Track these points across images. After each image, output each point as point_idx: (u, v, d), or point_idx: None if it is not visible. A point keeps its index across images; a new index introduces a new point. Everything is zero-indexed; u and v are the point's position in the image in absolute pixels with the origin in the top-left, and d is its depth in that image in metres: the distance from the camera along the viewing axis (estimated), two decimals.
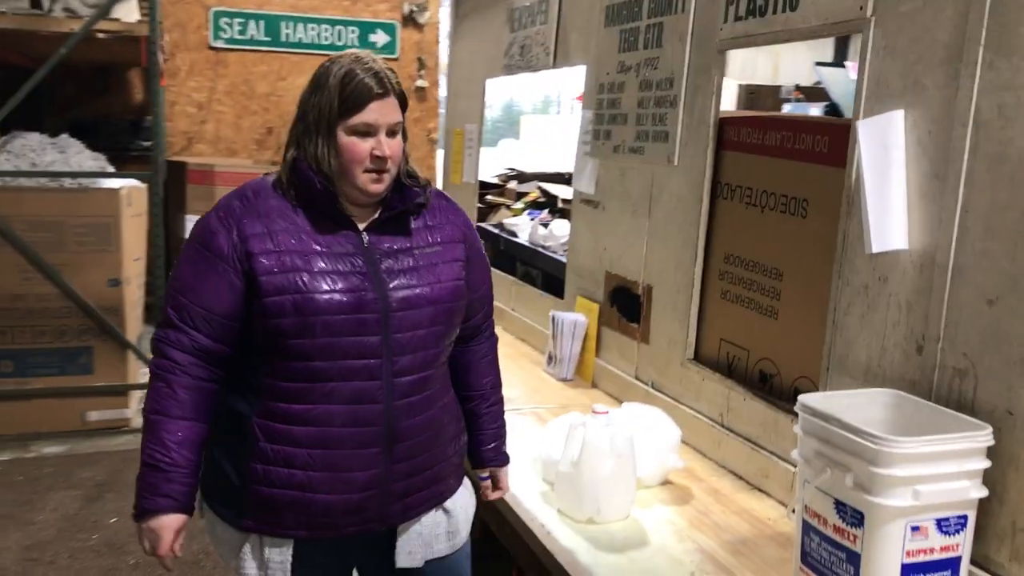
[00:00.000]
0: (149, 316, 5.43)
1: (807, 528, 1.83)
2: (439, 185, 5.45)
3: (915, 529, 1.67)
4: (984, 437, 1.67)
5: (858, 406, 1.85)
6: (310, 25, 8.11)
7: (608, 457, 2.13)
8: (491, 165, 8.70)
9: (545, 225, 4.77)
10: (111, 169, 5.18)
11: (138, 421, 4.90)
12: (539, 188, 6.70)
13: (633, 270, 3.09)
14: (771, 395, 2.41)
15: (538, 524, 2.15)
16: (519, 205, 6.40)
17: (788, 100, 5.57)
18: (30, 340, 4.68)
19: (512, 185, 7.32)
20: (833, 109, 3.94)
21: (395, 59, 8.30)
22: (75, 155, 4.98)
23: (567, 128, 7.24)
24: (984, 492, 1.69)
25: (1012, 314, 1.71)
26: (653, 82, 2.92)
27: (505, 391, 2.16)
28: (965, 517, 1.70)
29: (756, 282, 2.50)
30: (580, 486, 2.13)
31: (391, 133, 1.77)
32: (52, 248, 4.64)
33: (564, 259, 3.75)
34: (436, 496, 1.92)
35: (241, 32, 7.92)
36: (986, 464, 1.69)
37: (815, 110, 4.16)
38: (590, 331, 3.32)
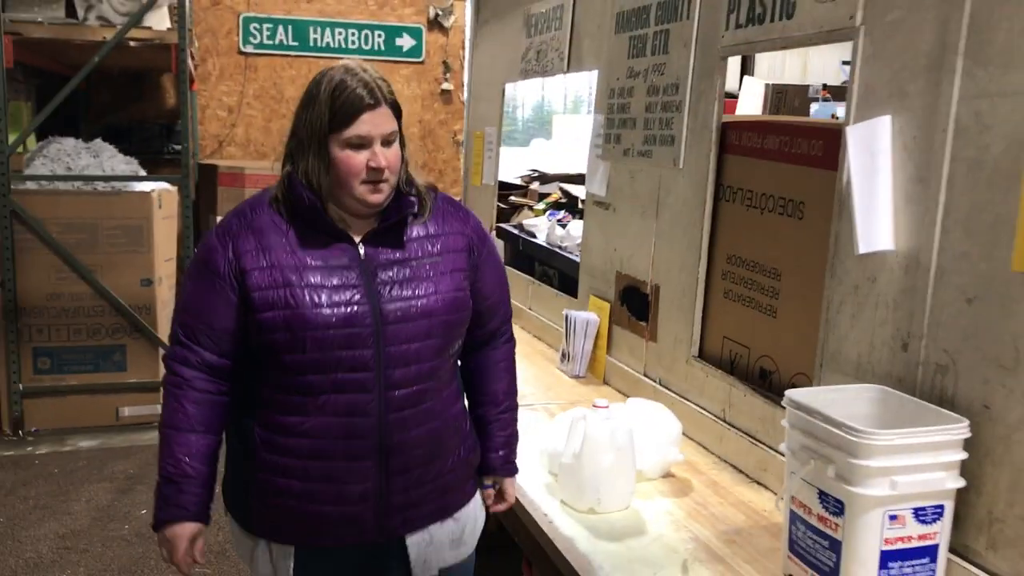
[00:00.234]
0: None
1: (794, 517, 1.92)
2: (461, 187, 5.57)
3: (893, 518, 1.75)
4: (959, 430, 1.75)
5: (845, 401, 1.93)
6: (337, 30, 8.26)
7: (608, 450, 2.22)
8: (522, 165, 8.81)
9: (563, 225, 4.86)
10: (143, 172, 5.34)
11: None
12: (560, 189, 6.80)
13: (642, 270, 3.17)
14: (770, 391, 2.48)
15: (541, 513, 2.24)
16: (540, 206, 6.49)
17: (815, 99, 5.60)
18: (66, 338, 4.86)
19: (535, 186, 7.42)
20: None
21: (421, 62, 8.43)
22: (108, 159, 5.15)
23: None
24: (960, 483, 1.77)
25: (988, 312, 1.78)
26: (660, 87, 3.00)
27: (519, 387, 2.14)
28: (942, 507, 1.77)
29: (756, 282, 2.58)
30: (581, 477, 2.23)
31: (386, 143, 1.76)
32: (86, 249, 4.81)
33: (579, 259, 3.85)
34: (441, 510, 1.92)
35: (270, 37, 8.09)
36: (963, 456, 1.76)
37: (842, 109, 4.20)
38: (602, 329, 3.41)
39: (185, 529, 1.79)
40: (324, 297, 1.73)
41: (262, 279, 1.73)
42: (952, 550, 1.82)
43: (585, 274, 3.66)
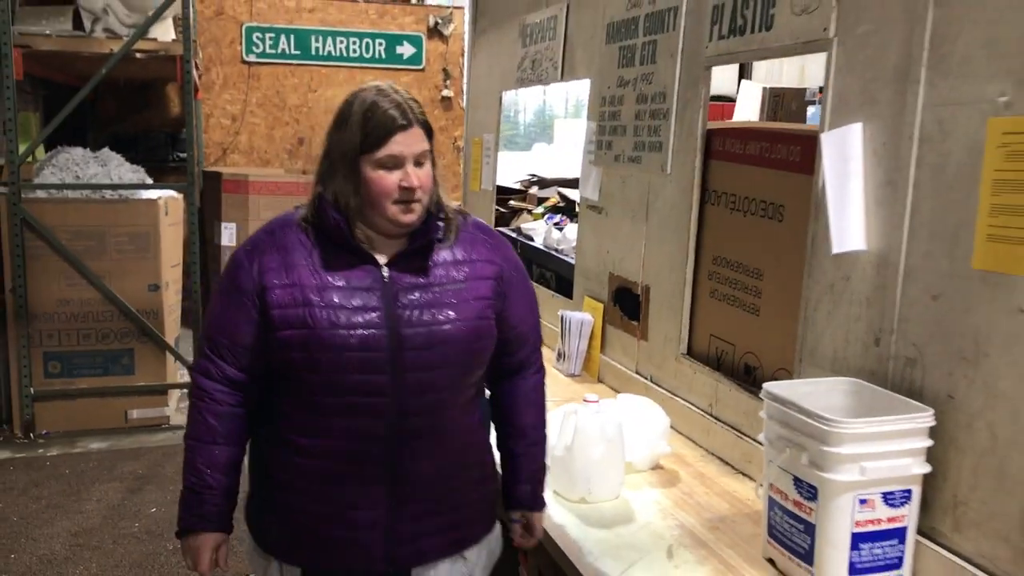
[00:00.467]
0: (185, 320, 5.71)
1: (772, 504, 2.03)
2: (461, 192, 5.68)
3: (863, 502, 1.86)
4: (924, 419, 1.86)
5: (820, 394, 2.04)
6: (339, 38, 8.40)
7: (598, 442, 2.33)
8: (524, 169, 8.94)
9: (560, 229, 4.98)
10: (149, 181, 5.47)
11: (176, 418, 5.20)
12: (558, 193, 6.92)
13: (633, 271, 3.29)
14: (754, 386, 2.59)
15: None
16: (539, 210, 6.62)
17: (812, 102, 5.71)
18: (75, 343, 4.98)
19: (533, 191, 7.55)
20: None
21: (421, 70, 8.57)
22: (116, 168, 5.28)
23: None
24: (926, 468, 1.88)
25: (952, 308, 1.89)
26: (648, 96, 3.12)
27: None
28: (910, 491, 1.88)
29: (740, 281, 2.69)
30: (572, 469, 2.34)
31: (418, 163, 1.75)
32: (95, 256, 4.93)
33: (574, 261, 3.96)
34: (455, 543, 1.89)
35: (273, 46, 8.24)
36: (928, 443, 1.87)
37: None
38: (596, 329, 3.53)
39: (208, 540, 1.83)
40: (343, 318, 1.72)
41: (283, 297, 1.73)
42: (920, 532, 1.93)
43: (580, 276, 3.77)
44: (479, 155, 5.08)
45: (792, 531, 1.95)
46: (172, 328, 5.32)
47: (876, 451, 1.83)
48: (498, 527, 2.03)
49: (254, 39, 8.19)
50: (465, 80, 6.81)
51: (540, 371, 2.07)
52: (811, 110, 5.53)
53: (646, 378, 3.17)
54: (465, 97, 6.94)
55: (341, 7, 8.41)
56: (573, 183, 6.96)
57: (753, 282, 2.64)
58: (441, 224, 1.82)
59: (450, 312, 1.78)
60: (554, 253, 4.72)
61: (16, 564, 3.50)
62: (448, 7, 8.86)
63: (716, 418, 2.73)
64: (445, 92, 8.69)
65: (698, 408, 2.82)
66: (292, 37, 8.31)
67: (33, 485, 4.28)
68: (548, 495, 2.30)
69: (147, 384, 5.12)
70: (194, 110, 5.59)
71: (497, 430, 2.01)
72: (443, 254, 1.83)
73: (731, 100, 7.39)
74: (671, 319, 3.03)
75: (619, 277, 3.39)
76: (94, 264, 4.93)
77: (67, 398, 4.99)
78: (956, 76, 1.89)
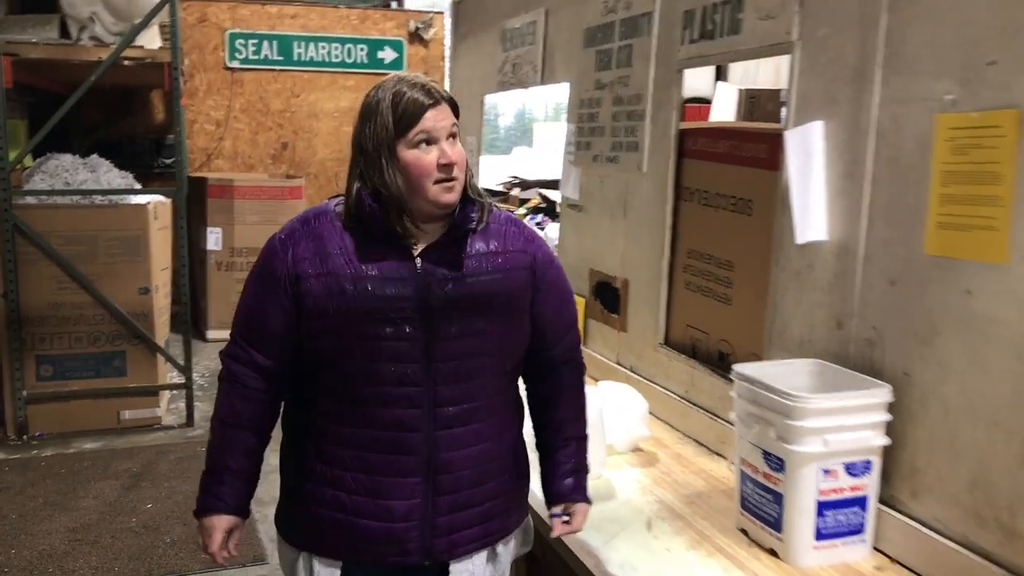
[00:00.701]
0: (174, 324, 5.80)
1: (744, 477, 2.17)
2: None
3: (827, 472, 2.00)
4: (882, 394, 2.01)
5: (787, 374, 2.18)
6: (321, 44, 8.51)
7: None
8: (504, 172, 9.07)
9: (542, 228, 5.12)
10: (138, 186, 5.56)
11: (168, 418, 5.29)
12: (539, 194, 7.07)
13: (612, 267, 3.42)
14: (728, 372, 2.72)
15: None
16: (521, 211, 6.76)
17: (787, 103, 5.86)
18: (67, 346, 5.07)
19: (515, 192, 7.70)
20: None
21: None
22: (105, 174, 5.37)
23: None
24: (885, 440, 2.02)
25: (907, 292, 2.04)
26: (624, 98, 3.26)
27: None
28: (870, 462, 2.03)
29: (713, 273, 2.83)
30: None
31: (451, 137, 1.74)
32: (86, 260, 5.02)
33: None
34: (488, 534, 1.87)
35: (256, 52, 8.34)
36: (887, 417, 2.02)
37: None
38: (579, 323, 3.65)
39: (221, 521, 1.82)
40: (375, 308, 1.72)
41: (317, 286, 1.73)
42: (881, 500, 2.08)
43: None
44: None
45: (762, 501, 2.09)
46: (162, 331, 5.41)
47: (838, 424, 1.98)
48: (529, 519, 2.03)
49: (237, 45, 8.29)
50: (447, 84, 6.93)
51: (577, 368, 2.01)
52: (784, 110, 5.70)
53: (626, 368, 3.30)
54: None
55: (323, 13, 8.52)
56: (553, 184, 7.11)
57: (725, 273, 2.78)
58: (475, 215, 1.80)
59: (483, 303, 1.78)
60: None
61: (17, 559, 3.60)
62: (428, 12, 8.99)
63: (692, 403, 2.87)
64: None
65: (675, 394, 2.96)
66: (275, 43, 8.42)
67: (29, 484, 4.36)
68: (534, 475, 2.15)
69: (139, 385, 5.20)
70: (181, 118, 5.67)
71: (535, 427, 1.98)
72: (477, 245, 1.81)
73: (708, 102, 7.55)
74: (649, 311, 3.17)
75: (599, 272, 3.53)
76: (85, 268, 5.01)
77: (60, 400, 5.06)
78: (907, 76, 2.04)
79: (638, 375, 3.20)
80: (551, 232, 4.93)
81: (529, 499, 2.03)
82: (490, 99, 5.02)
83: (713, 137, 2.83)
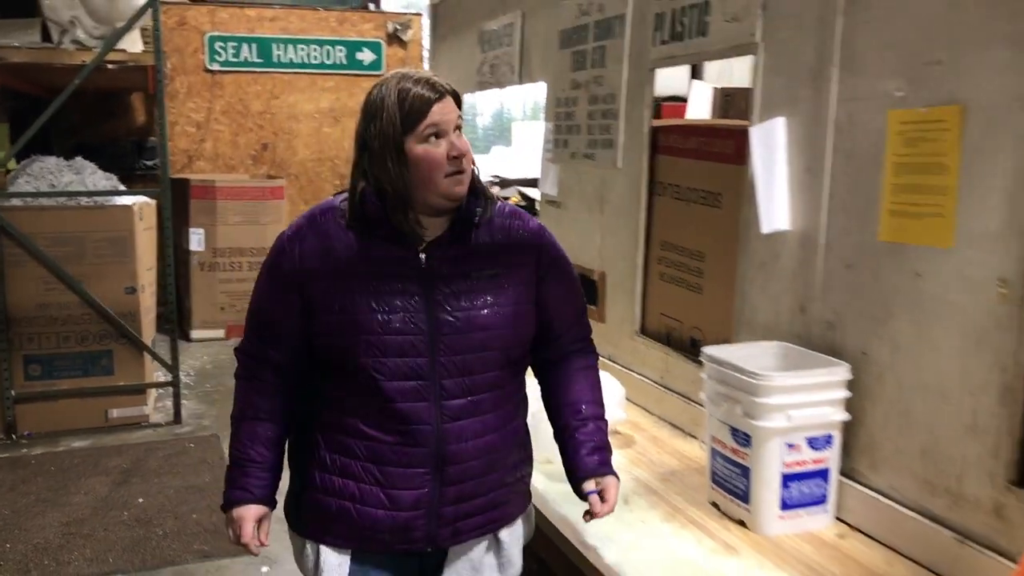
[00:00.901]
0: (159, 324, 5.87)
1: (714, 453, 2.30)
2: None
3: (790, 446, 2.14)
4: (841, 372, 2.15)
5: (754, 356, 2.32)
6: (300, 46, 8.59)
7: None
8: (483, 172, 9.17)
9: None
10: (123, 188, 5.63)
11: (155, 416, 5.37)
12: (519, 192, 7.20)
13: (591, 260, 3.55)
14: (700, 358, 2.87)
15: None
16: (490, 192, 6.88)
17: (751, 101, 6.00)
18: (55, 345, 5.13)
19: (495, 190, 7.82)
20: None
21: (382, 75, 8.78)
22: (90, 175, 5.43)
23: None
24: (845, 416, 2.16)
25: (863, 277, 2.18)
26: (599, 97, 3.39)
27: None
28: (831, 436, 2.17)
29: (685, 264, 2.97)
30: (538, 432, 2.58)
31: (458, 129, 1.76)
32: (73, 260, 5.09)
33: None
34: (490, 523, 1.90)
35: (235, 55, 8.41)
36: (846, 394, 2.16)
37: None
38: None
39: (250, 511, 1.83)
40: (382, 303, 1.74)
41: (323, 282, 1.76)
42: (842, 473, 2.22)
43: None
44: None
45: (731, 475, 2.23)
46: (149, 330, 5.48)
47: (800, 401, 2.12)
48: (532, 507, 2.04)
49: (217, 48, 8.35)
50: None
51: (589, 355, 2.02)
52: None
53: (605, 357, 3.41)
54: None
55: (302, 15, 8.60)
56: (532, 183, 7.25)
57: (696, 264, 2.92)
58: (479, 209, 1.80)
59: (488, 297, 1.79)
60: None
61: (12, 553, 3.68)
62: (406, 14, 9.09)
63: (667, 388, 3.00)
64: None
65: (651, 380, 3.09)
66: (254, 45, 8.48)
67: (21, 482, 4.43)
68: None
69: (126, 384, 5.27)
70: (165, 120, 5.75)
71: (553, 413, 1.98)
72: (481, 239, 1.81)
73: (684, 100, 7.69)
74: (625, 302, 3.30)
75: (578, 266, 3.64)
76: (72, 268, 5.07)
77: (48, 399, 5.12)
78: (861, 75, 2.18)
79: (616, 363, 3.33)
80: None
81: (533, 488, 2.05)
82: (468, 99, 5.14)
83: (684, 134, 2.96)
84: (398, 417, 1.76)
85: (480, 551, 1.91)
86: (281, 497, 1.95)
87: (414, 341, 1.74)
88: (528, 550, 2.05)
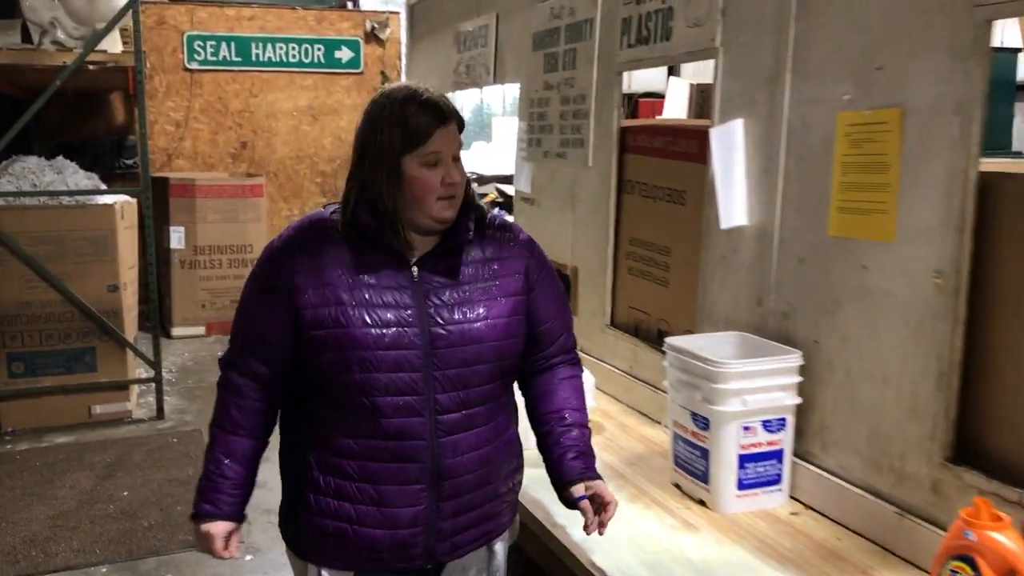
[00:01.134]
0: (140, 322, 5.95)
1: (676, 437, 2.43)
2: None
3: (746, 429, 2.27)
4: (793, 359, 2.28)
5: (713, 345, 2.45)
6: (278, 44, 8.65)
7: None
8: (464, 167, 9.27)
9: None
10: (103, 187, 5.70)
11: (138, 412, 5.44)
12: (496, 189, 7.32)
13: (563, 255, 3.68)
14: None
15: None
16: (482, 206, 7.00)
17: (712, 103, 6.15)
18: (38, 343, 5.20)
19: (473, 188, 7.93)
20: None
21: (360, 73, 8.86)
22: (71, 175, 5.50)
23: None
24: (797, 400, 2.30)
25: (815, 270, 2.32)
26: (571, 98, 3.51)
27: None
28: (784, 419, 2.30)
29: (652, 258, 3.10)
30: None
31: (456, 158, 1.77)
32: (55, 259, 5.15)
33: None
34: (486, 534, 1.90)
35: (214, 54, 8.45)
36: (798, 379, 2.30)
37: None
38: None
39: (219, 527, 1.83)
40: (375, 317, 1.73)
41: (315, 297, 1.73)
42: (795, 455, 2.35)
43: None
44: None
45: (691, 457, 2.36)
46: (131, 327, 5.55)
47: (755, 387, 2.25)
48: (518, 517, 2.07)
49: (195, 47, 8.40)
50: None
51: (577, 366, 2.04)
52: None
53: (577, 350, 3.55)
54: None
55: (280, 14, 8.66)
56: (510, 179, 7.36)
57: (663, 258, 3.05)
58: (472, 225, 1.81)
59: (481, 310, 1.79)
60: None
61: (1, 545, 3.76)
62: (384, 12, 9.17)
63: (636, 377, 3.13)
64: None
65: (620, 370, 3.22)
66: (233, 44, 8.53)
67: (6, 476, 4.50)
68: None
69: (109, 380, 5.35)
70: (141, 118, 5.81)
71: (537, 422, 1.97)
72: (473, 252, 1.82)
73: (661, 97, 7.81)
74: (596, 295, 3.43)
75: (552, 261, 3.77)
76: (55, 267, 5.14)
77: (32, 396, 5.18)
78: (813, 79, 2.31)
79: (587, 355, 3.45)
80: None
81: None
82: (448, 95, 5.24)
83: (651, 134, 3.09)
84: (392, 433, 1.74)
85: (474, 562, 1.93)
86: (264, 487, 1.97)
87: (408, 355, 1.73)
88: None
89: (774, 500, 2.32)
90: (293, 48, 8.71)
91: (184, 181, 7.53)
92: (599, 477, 1.91)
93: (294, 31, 8.70)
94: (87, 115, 8.26)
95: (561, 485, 1.91)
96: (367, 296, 1.73)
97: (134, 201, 5.68)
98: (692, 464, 2.36)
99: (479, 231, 1.84)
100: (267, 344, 1.80)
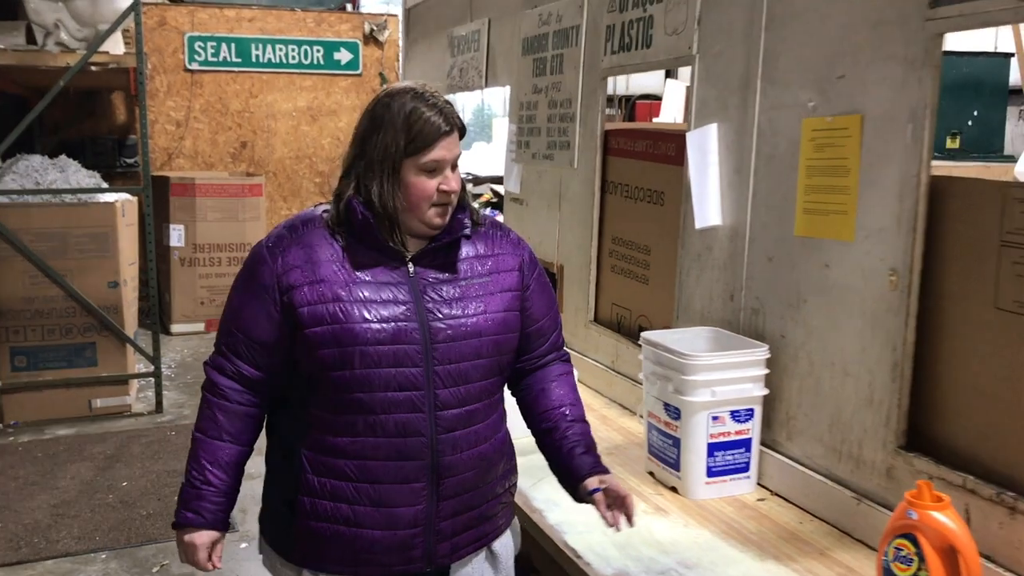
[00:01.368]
0: (140, 318, 6.07)
1: (650, 427, 2.55)
2: None
3: (715, 418, 2.39)
4: (760, 352, 2.40)
5: (687, 340, 2.56)
6: (278, 46, 8.78)
7: None
8: (464, 167, 9.40)
9: None
10: (105, 185, 5.82)
11: (138, 406, 5.56)
12: (491, 189, 7.44)
13: (550, 253, 3.80)
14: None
15: None
16: (474, 205, 7.11)
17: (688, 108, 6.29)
18: (40, 338, 5.32)
19: (468, 188, 8.06)
20: None
21: (359, 75, 8.99)
22: (73, 173, 5.62)
23: None
24: (764, 391, 2.42)
25: (782, 267, 2.43)
26: (558, 101, 3.63)
27: None
28: (752, 410, 2.42)
29: (633, 257, 3.21)
30: None
31: (454, 167, 1.77)
32: (57, 256, 5.28)
33: None
34: (484, 536, 1.88)
35: (214, 55, 8.58)
36: (765, 371, 2.41)
37: None
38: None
39: (202, 537, 1.80)
40: (373, 312, 1.71)
41: (310, 294, 1.71)
42: (763, 444, 2.47)
43: None
44: None
45: (664, 446, 2.48)
46: (131, 322, 5.67)
47: (724, 378, 2.37)
48: (517, 525, 2.06)
49: (196, 48, 8.53)
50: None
51: (568, 363, 2.06)
52: None
53: None
54: None
55: (280, 16, 8.79)
56: (503, 180, 7.50)
57: (643, 257, 3.17)
58: (468, 223, 1.81)
59: (479, 304, 1.78)
60: None
61: (3, 531, 3.87)
62: (383, 15, 9.30)
63: (617, 371, 3.25)
64: None
65: (603, 364, 3.34)
66: (233, 45, 8.66)
67: (8, 467, 4.63)
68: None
69: (110, 375, 5.47)
70: (142, 117, 5.93)
71: (536, 421, 1.97)
72: (466, 249, 1.82)
73: (659, 98, 7.93)
74: (580, 292, 3.55)
75: (539, 259, 3.89)
76: (57, 263, 5.26)
77: (34, 389, 5.31)
78: (781, 86, 2.43)
79: (571, 350, 3.56)
80: None
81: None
82: (449, 97, 5.36)
83: (632, 137, 3.21)
84: (393, 430, 1.72)
85: (479, 565, 1.91)
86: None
87: (408, 350, 1.71)
88: None
89: (742, 487, 2.44)
90: (293, 49, 8.84)
91: (184, 180, 7.65)
92: (608, 470, 1.92)
93: (294, 33, 8.83)
94: (88, 114, 8.38)
95: (574, 480, 1.90)
96: (364, 292, 1.72)
97: (135, 199, 5.80)
98: (664, 452, 2.48)
99: (472, 228, 1.84)
100: (257, 344, 1.77)
